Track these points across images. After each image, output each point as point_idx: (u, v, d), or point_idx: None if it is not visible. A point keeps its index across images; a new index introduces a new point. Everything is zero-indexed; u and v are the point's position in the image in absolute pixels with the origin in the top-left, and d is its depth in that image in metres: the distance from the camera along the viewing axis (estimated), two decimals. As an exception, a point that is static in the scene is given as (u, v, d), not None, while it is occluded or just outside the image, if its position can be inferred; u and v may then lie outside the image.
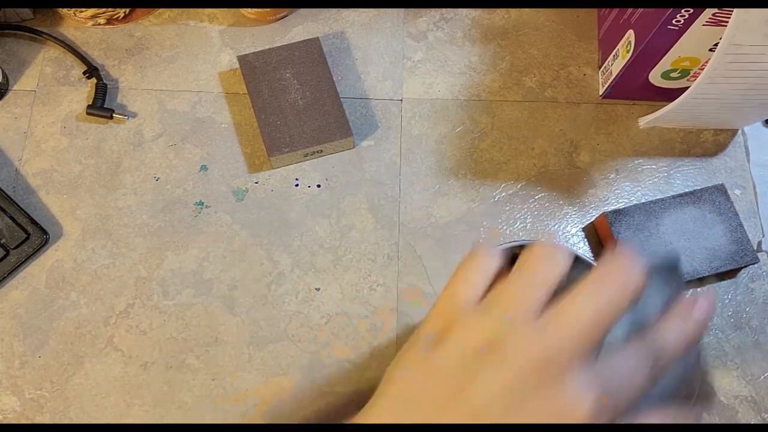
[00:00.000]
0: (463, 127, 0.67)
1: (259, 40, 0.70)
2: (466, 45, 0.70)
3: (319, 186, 0.64)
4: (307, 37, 0.69)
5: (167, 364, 0.58)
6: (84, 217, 0.62)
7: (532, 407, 0.25)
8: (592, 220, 0.63)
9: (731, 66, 0.50)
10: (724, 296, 0.61)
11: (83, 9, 0.66)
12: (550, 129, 0.67)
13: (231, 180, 0.64)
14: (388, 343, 0.58)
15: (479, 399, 0.25)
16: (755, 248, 0.63)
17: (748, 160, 0.66)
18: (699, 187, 0.63)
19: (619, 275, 0.27)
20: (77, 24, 0.69)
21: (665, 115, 0.62)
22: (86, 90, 0.67)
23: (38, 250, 0.60)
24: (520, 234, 0.63)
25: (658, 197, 0.62)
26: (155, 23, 0.70)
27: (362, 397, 0.32)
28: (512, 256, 0.31)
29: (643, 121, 0.66)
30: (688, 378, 0.31)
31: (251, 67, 0.65)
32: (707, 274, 0.58)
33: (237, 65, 0.68)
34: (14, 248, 0.59)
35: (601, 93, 0.68)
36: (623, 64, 0.62)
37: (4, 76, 0.66)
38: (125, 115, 0.65)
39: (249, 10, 0.68)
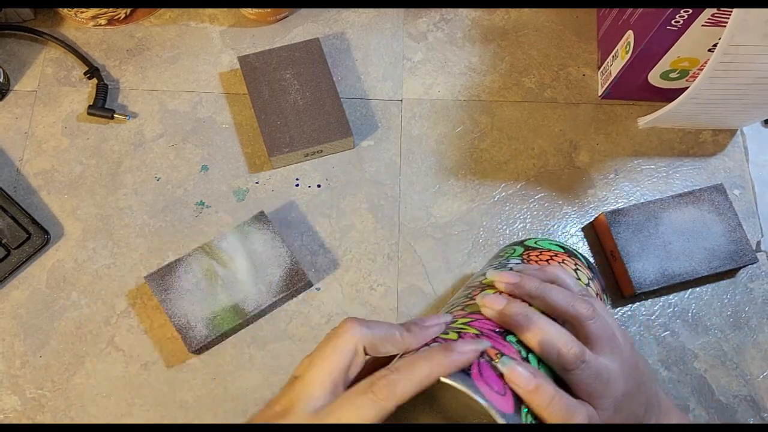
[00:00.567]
0: (463, 128, 0.67)
1: (260, 40, 0.70)
2: (466, 46, 0.70)
3: (319, 186, 0.64)
4: (307, 38, 0.69)
5: (168, 363, 0.58)
6: (85, 217, 0.62)
7: None
8: (591, 220, 0.64)
9: (730, 66, 0.50)
10: (723, 296, 0.61)
11: (84, 9, 0.66)
12: (549, 129, 0.67)
13: (232, 180, 0.64)
14: (388, 342, 0.59)
15: None
16: (754, 248, 0.63)
17: (747, 160, 0.67)
18: (698, 187, 0.63)
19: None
20: (78, 24, 0.70)
21: (664, 115, 0.62)
22: (87, 90, 0.67)
23: (39, 250, 0.60)
24: (520, 234, 0.63)
25: (657, 197, 0.63)
26: (156, 24, 0.70)
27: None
28: None
29: (643, 122, 0.66)
30: None
31: (252, 67, 0.65)
32: (706, 273, 0.58)
33: (237, 66, 0.68)
34: (15, 248, 0.60)
35: (600, 93, 0.68)
36: (622, 65, 0.62)
37: (5, 76, 0.66)
38: (126, 116, 0.66)
39: (250, 10, 0.68)
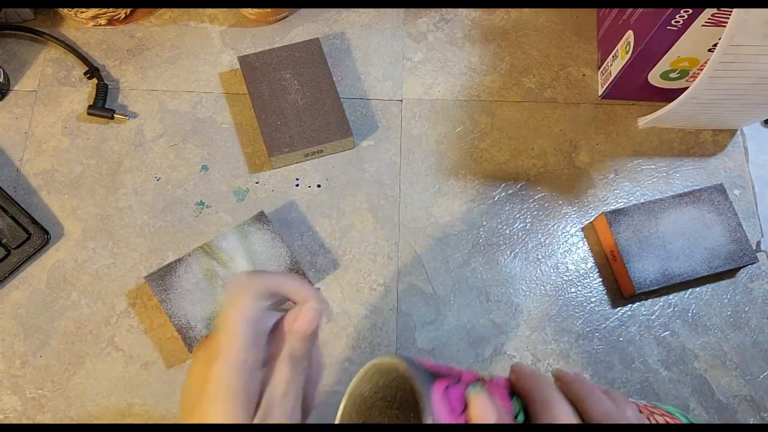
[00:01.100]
0: (463, 128, 0.67)
1: (260, 40, 0.70)
2: (466, 46, 0.70)
3: (319, 186, 0.64)
4: (307, 38, 0.69)
5: (168, 363, 0.58)
6: (85, 217, 0.62)
7: None
8: (591, 220, 0.64)
9: (730, 66, 0.50)
10: (723, 296, 0.61)
11: (84, 9, 0.66)
12: (549, 129, 0.67)
13: (232, 180, 0.64)
14: (388, 342, 0.59)
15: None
16: (754, 248, 0.63)
17: (747, 160, 0.67)
18: (698, 187, 0.63)
19: None
20: (78, 25, 0.70)
21: (664, 115, 0.62)
22: (87, 90, 0.67)
23: (39, 250, 0.60)
24: (520, 233, 0.63)
25: (657, 197, 0.63)
26: (156, 24, 0.70)
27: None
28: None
29: (643, 122, 0.66)
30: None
31: (252, 67, 0.65)
32: (706, 273, 0.58)
33: (237, 66, 0.68)
34: (15, 248, 0.60)
35: (600, 93, 0.68)
36: (622, 65, 0.62)
37: (5, 76, 0.66)
38: (126, 116, 0.66)
39: (250, 10, 0.68)
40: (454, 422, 0.29)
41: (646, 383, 0.58)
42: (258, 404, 0.30)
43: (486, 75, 0.69)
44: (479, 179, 0.65)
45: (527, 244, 0.63)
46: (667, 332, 0.60)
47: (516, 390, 0.33)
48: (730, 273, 0.62)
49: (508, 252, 0.62)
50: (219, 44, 0.70)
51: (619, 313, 0.60)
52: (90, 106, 0.65)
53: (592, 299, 0.61)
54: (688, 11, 0.52)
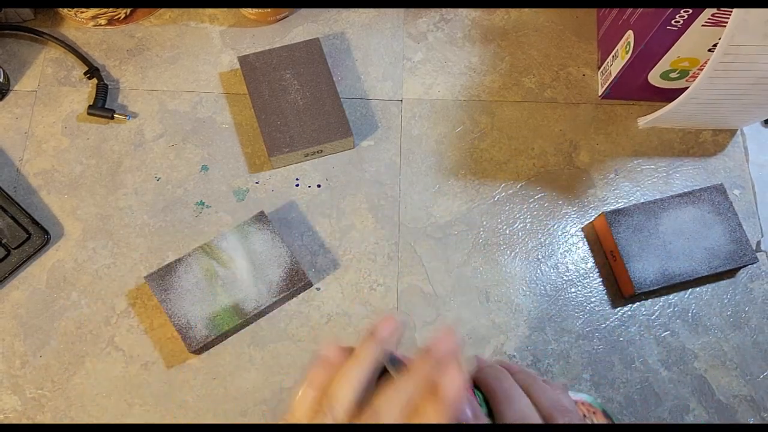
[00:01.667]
0: (463, 128, 0.67)
1: (260, 40, 0.70)
2: (466, 46, 0.70)
3: (319, 186, 0.64)
4: (307, 38, 0.69)
5: (168, 363, 0.58)
6: (85, 217, 0.62)
7: None
8: (591, 220, 0.64)
9: (730, 66, 0.50)
10: (723, 296, 0.61)
11: (84, 9, 0.66)
12: (549, 129, 0.67)
13: (232, 180, 0.64)
14: (388, 342, 0.59)
15: None
16: (754, 248, 0.63)
17: (747, 160, 0.67)
18: (698, 187, 0.63)
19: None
20: (78, 25, 0.70)
21: (664, 115, 0.62)
22: (87, 90, 0.67)
23: (39, 250, 0.60)
24: (520, 233, 0.63)
25: (657, 197, 0.63)
26: (156, 24, 0.70)
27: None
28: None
29: (643, 122, 0.66)
30: None
31: (252, 67, 0.65)
32: (706, 273, 0.58)
33: (237, 66, 0.68)
34: (15, 248, 0.60)
35: (600, 93, 0.68)
36: (622, 65, 0.62)
37: (5, 76, 0.66)
38: (126, 116, 0.66)
39: (250, 10, 0.68)
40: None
41: (646, 383, 0.58)
42: None
43: (486, 75, 0.69)
44: (479, 179, 0.65)
45: (527, 244, 0.63)
46: (667, 332, 0.60)
47: (477, 382, 0.34)
48: (730, 273, 0.62)
49: (508, 252, 0.62)
50: (219, 44, 0.70)
51: (619, 313, 0.60)
52: (90, 106, 0.65)
53: (592, 299, 0.61)
54: (688, 11, 0.52)
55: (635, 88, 0.65)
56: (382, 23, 0.71)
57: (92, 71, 0.67)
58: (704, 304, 0.61)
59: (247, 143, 0.65)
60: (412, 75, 0.69)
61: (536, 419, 0.32)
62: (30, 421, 0.56)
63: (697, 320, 0.60)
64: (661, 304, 0.61)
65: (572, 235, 0.63)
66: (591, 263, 0.62)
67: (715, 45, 0.55)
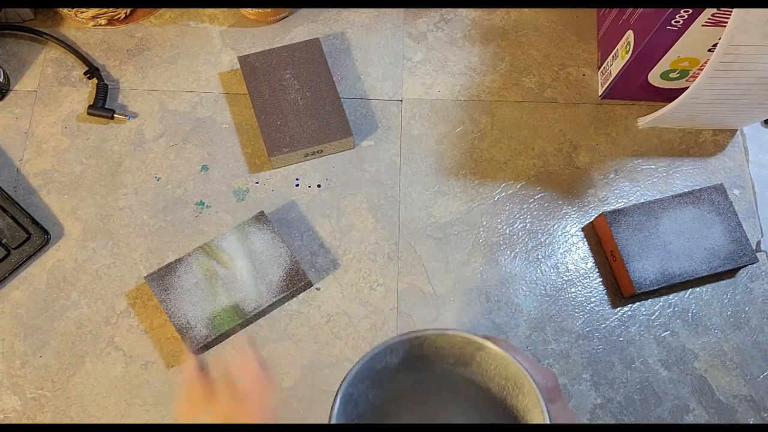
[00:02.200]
0: (463, 128, 0.67)
1: (260, 40, 0.70)
2: (466, 46, 0.70)
3: (319, 186, 0.64)
4: (307, 38, 0.69)
5: (168, 363, 0.58)
6: (85, 217, 0.62)
7: None
8: (591, 220, 0.64)
9: (730, 66, 0.50)
10: (723, 296, 0.61)
11: (84, 9, 0.66)
12: (549, 129, 0.67)
13: (232, 180, 0.64)
14: (388, 342, 0.59)
15: None
16: (754, 248, 0.63)
17: (747, 160, 0.67)
18: (698, 187, 0.63)
19: None
20: (78, 25, 0.70)
21: (664, 115, 0.62)
22: (87, 90, 0.67)
23: (39, 250, 0.60)
24: (520, 233, 0.63)
25: (657, 197, 0.63)
26: (156, 24, 0.70)
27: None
28: None
29: (642, 122, 0.66)
30: None
31: (252, 67, 0.65)
32: (706, 273, 0.58)
33: (237, 66, 0.68)
34: (15, 248, 0.60)
35: (600, 93, 0.68)
36: (622, 65, 0.62)
37: (5, 76, 0.66)
38: (126, 116, 0.66)
39: (250, 10, 0.68)
40: None
41: (646, 383, 0.58)
42: None
43: (486, 75, 0.69)
44: (479, 179, 0.65)
45: (527, 244, 0.63)
46: (667, 332, 0.60)
47: None
48: (730, 273, 0.62)
49: (508, 252, 0.62)
50: (219, 44, 0.70)
51: (619, 313, 0.60)
52: (90, 106, 0.65)
53: (592, 299, 0.61)
54: (688, 11, 0.52)
55: (635, 88, 0.65)
56: (382, 23, 0.71)
57: (92, 71, 0.67)
58: (704, 304, 0.61)
59: (247, 143, 0.65)
60: (412, 75, 0.69)
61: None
62: (30, 421, 0.56)
63: (697, 320, 0.60)
64: (661, 304, 0.61)
65: (572, 235, 0.63)
66: (591, 263, 0.62)
67: (715, 45, 0.55)
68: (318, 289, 0.60)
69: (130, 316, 0.59)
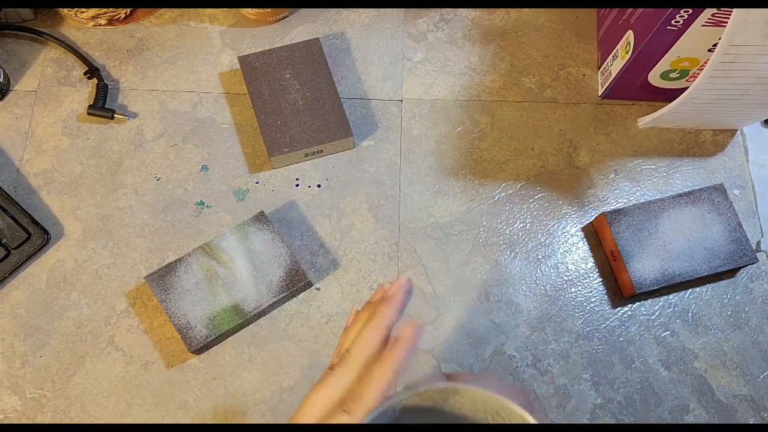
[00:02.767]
0: (463, 128, 0.67)
1: (260, 40, 0.70)
2: (466, 46, 0.70)
3: (319, 186, 0.64)
4: (307, 38, 0.69)
5: (168, 363, 0.58)
6: (85, 217, 0.62)
7: None
8: (591, 220, 0.64)
9: (730, 66, 0.50)
10: (723, 296, 0.61)
11: (84, 9, 0.66)
12: (549, 129, 0.67)
13: (232, 180, 0.64)
14: (388, 342, 0.59)
15: None
16: (754, 248, 0.63)
17: (747, 160, 0.67)
18: (698, 187, 0.63)
19: None
20: (78, 24, 0.70)
21: (664, 115, 0.62)
22: (87, 90, 0.67)
23: (39, 250, 0.60)
24: (520, 233, 0.63)
25: (657, 197, 0.63)
26: (156, 24, 0.70)
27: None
28: None
29: (642, 122, 0.66)
30: None
31: (252, 67, 0.65)
32: (706, 273, 0.58)
33: (237, 66, 0.68)
34: (15, 248, 0.60)
35: (600, 93, 0.68)
36: (622, 65, 0.62)
37: (5, 76, 0.66)
38: (126, 116, 0.66)
39: (250, 10, 0.68)
40: None
41: (646, 383, 0.58)
42: None
43: (486, 75, 0.69)
44: (479, 179, 0.65)
45: (527, 244, 0.63)
46: (667, 332, 0.60)
47: None
48: (730, 273, 0.62)
49: (508, 252, 0.62)
50: (219, 44, 0.70)
51: (619, 313, 0.60)
52: (90, 106, 0.65)
53: (592, 299, 0.61)
54: (688, 11, 0.52)
55: (635, 88, 0.65)
56: (382, 23, 0.71)
57: (92, 71, 0.67)
58: (704, 304, 0.61)
59: (247, 143, 0.65)
60: (412, 75, 0.69)
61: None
62: (30, 421, 0.56)
63: (697, 320, 0.60)
64: (661, 304, 0.61)
65: (572, 235, 0.63)
66: (591, 263, 0.62)
67: (715, 45, 0.55)
68: (318, 289, 0.60)
69: (130, 316, 0.59)
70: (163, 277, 0.57)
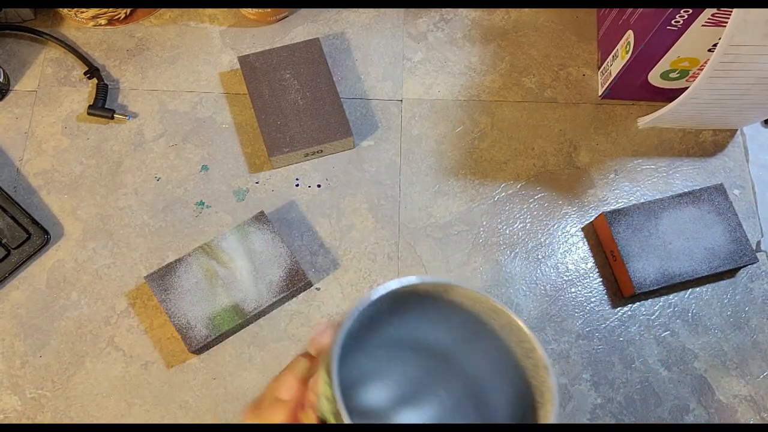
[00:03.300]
0: (463, 128, 0.67)
1: (260, 40, 0.70)
2: (466, 46, 0.70)
3: (319, 186, 0.64)
4: (307, 38, 0.69)
5: (168, 363, 0.58)
6: (85, 217, 0.62)
7: None
8: (591, 220, 0.64)
9: (730, 66, 0.50)
10: (723, 296, 0.61)
11: (84, 9, 0.66)
12: (549, 129, 0.67)
13: (232, 180, 0.64)
14: (388, 342, 0.59)
15: None
16: (754, 248, 0.63)
17: (747, 160, 0.67)
18: (698, 187, 0.63)
19: None
20: (78, 25, 0.70)
21: (664, 115, 0.62)
22: (87, 90, 0.67)
23: (39, 250, 0.60)
24: (520, 233, 0.63)
25: (657, 197, 0.63)
26: (156, 24, 0.70)
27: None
28: None
29: (642, 122, 0.66)
30: None
31: (252, 67, 0.65)
32: (706, 273, 0.58)
33: (238, 66, 0.68)
34: (15, 248, 0.60)
35: (600, 93, 0.68)
36: (622, 65, 0.62)
37: (5, 76, 0.66)
38: (126, 116, 0.66)
39: (250, 10, 0.68)
40: None
41: (646, 383, 0.58)
42: None
43: (486, 75, 0.69)
44: (479, 179, 0.65)
45: (527, 244, 0.63)
46: (667, 332, 0.60)
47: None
48: (730, 273, 0.62)
49: (508, 252, 0.62)
50: (219, 44, 0.70)
51: (619, 313, 0.60)
52: (90, 106, 0.65)
53: (592, 299, 0.61)
54: (688, 11, 0.52)
55: (635, 88, 0.65)
56: (382, 23, 0.71)
57: (92, 71, 0.67)
58: (704, 304, 0.61)
59: (247, 143, 0.65)
60: (412, 75, 0.69)
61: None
62: (30, 421, 0.56)
63: (697, 320, 0.60)
64: (661, 304, 0.61)
65: (572, 235, 0.63)
66: (591, 263, 0.62)
67: (715, 45, 0.55)
68: (318, 289, 0.60)
69: (130, 316, 0.59)
70: (163, 277, 0.57)
